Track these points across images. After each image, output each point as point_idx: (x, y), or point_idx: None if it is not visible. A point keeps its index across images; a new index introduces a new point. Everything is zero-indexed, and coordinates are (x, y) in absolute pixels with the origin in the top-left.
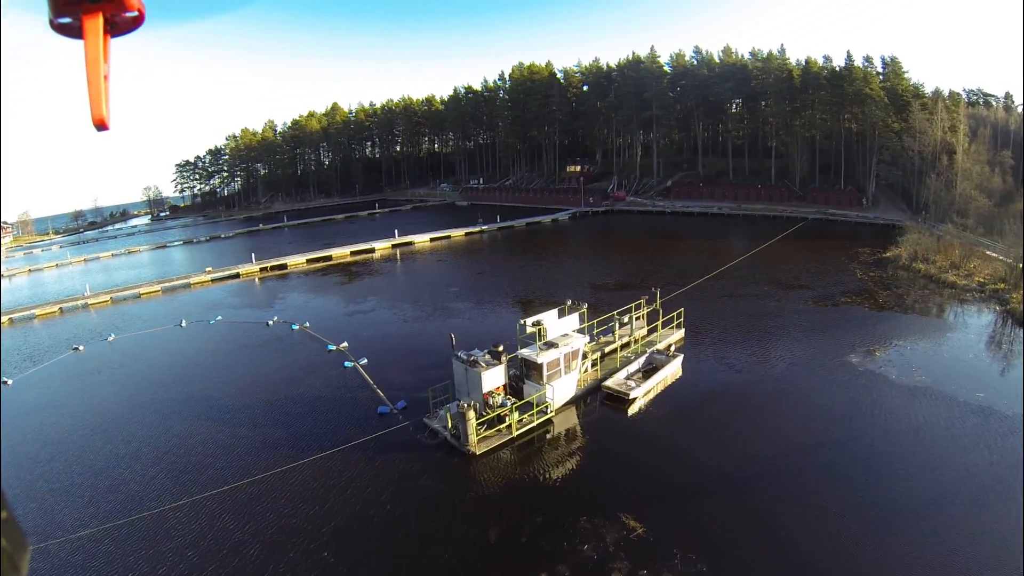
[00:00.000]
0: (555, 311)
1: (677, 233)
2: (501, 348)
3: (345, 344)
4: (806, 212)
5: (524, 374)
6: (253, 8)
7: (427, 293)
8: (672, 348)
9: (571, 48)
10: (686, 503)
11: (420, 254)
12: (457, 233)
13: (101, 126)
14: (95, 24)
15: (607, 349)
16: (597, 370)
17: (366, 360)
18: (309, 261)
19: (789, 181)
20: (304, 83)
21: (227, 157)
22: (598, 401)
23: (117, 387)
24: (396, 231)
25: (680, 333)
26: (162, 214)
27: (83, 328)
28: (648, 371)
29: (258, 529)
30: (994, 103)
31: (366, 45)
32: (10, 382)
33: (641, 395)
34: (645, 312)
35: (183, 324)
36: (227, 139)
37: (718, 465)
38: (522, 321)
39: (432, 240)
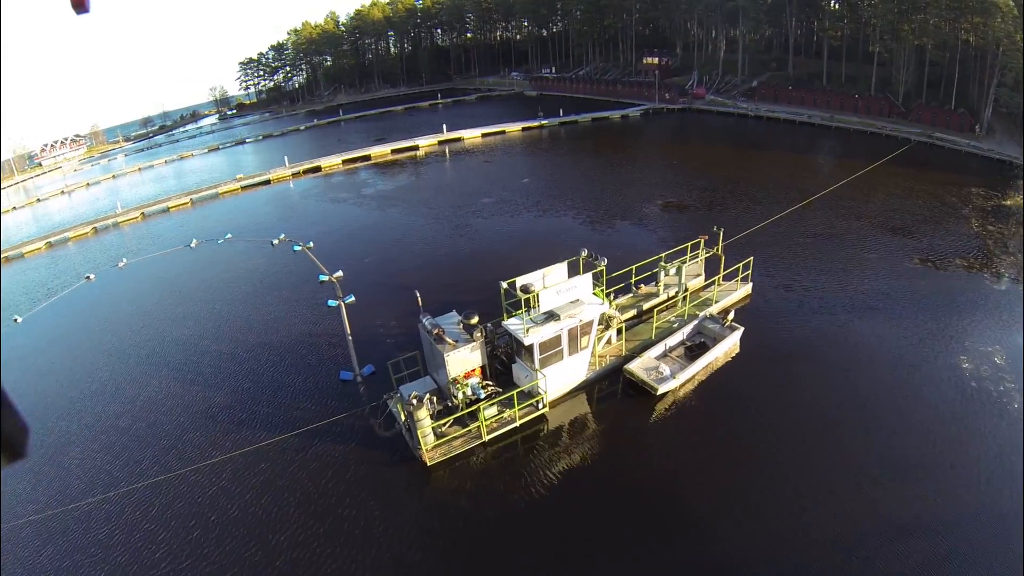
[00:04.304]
0: (563, 265)
1: (760, 142)
2: (476, 320)
3: (339, 274)
4: (908, 132)
5: (515, 350)
6: None
7: (454, 205)
8: (731, 315)
9: None
10: None
11: (468, 152)
12: (513, 128)
13: (80, 7)
14: None
15: (646, 305)
16: (622, 344)
17: (353, 298)
18: (345, 162)
19: (891, 93)
20: None
21: (289, 52)
22: (619, 388)
23: (103, 332)
24: (444, 126)
25: (746, 289)
26: (229, 112)
27: (105, 250)
28: (694, 347)
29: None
30: None
31: None
32: (19, 319)
33: (676, 387)
34: (703, 258)
35: (192, 244)
36: (288, 33)
37: (759, 543)
38: (505, 284)
39: (484, 136)
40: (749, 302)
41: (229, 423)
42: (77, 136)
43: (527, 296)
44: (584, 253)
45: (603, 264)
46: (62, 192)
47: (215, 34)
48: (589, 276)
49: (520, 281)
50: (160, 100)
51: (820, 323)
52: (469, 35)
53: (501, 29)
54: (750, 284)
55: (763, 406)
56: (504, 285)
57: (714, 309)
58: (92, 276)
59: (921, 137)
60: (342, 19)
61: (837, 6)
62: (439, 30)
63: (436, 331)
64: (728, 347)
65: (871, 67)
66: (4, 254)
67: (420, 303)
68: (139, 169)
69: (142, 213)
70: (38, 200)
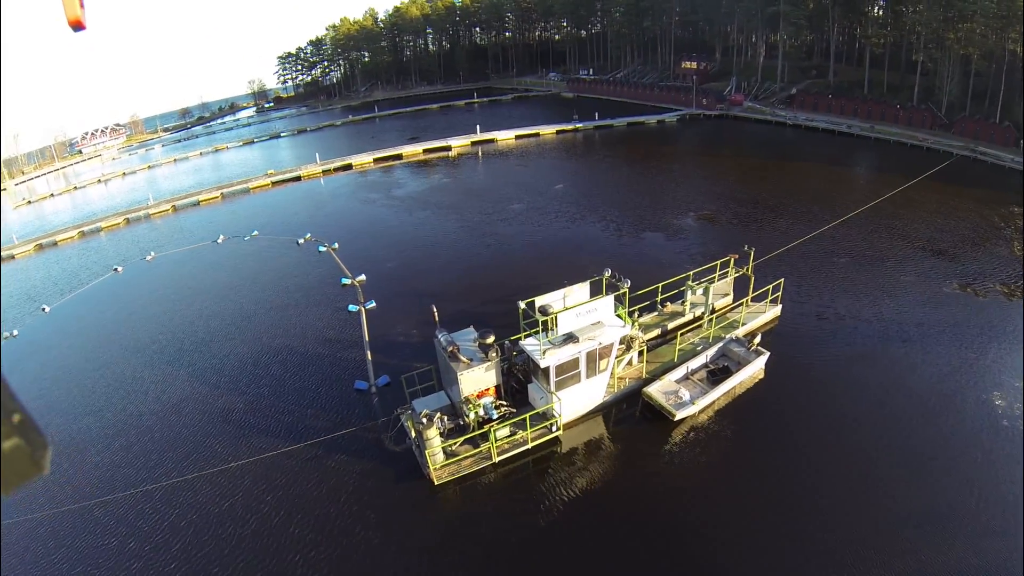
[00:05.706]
0: (585, 285)
1: (797, 152)
2: (492, 339)
3: (362, 278)
4: (951, 145)
5: (531, 369)
6: None
7: (483, 211)
8: (757, 338)
9: None
10: None
11: (501, 154)
12: (547, 131)
13: (78, 26)
14: None
15: (671, 325)
16: (643, 366)
17: (373, 303)
18: (376, 160)
19: (934, 104)
20: None
21: (327, 47)
22: (637, 411)
23: (127, 327)
24: (478, 127)
25: (774, 312)
26: (267, 105)
27: (136, 242)
28: (717, 370)
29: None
30: None
31: None
32: (47, 309)
33: (695, 413)
34: (732, 277)
35: (219, 240)
36: (327, 29)
37: None
38: (523, 304)
39: (517, 138)
40: (777, 325)
41: (248, 429)
42: (117, 125)
43: (545, 318)
44: (607, 273)
45: (626, 286)
46: (99, 180)
47: (256, 28)
48: (611, 298)
49: (539, 301)
50: (200, 92)
51: (850, 350)
52: (508, 34)
53: (540, 29)
54: (779, 306)
55: (784, 437)
56: (522, 305)
57: (740, 332)
58: (120, 268)
59: (964, 151)
60: (381, 16)
61: (881, 13)
62: (478, 28)
63: (451, 348)
64: (752, 372)
65: (914, 77)
66: (38, 241)
67: (436, 318)
68: (174, 160)
69: (173, 206)
70: (75, 188)
